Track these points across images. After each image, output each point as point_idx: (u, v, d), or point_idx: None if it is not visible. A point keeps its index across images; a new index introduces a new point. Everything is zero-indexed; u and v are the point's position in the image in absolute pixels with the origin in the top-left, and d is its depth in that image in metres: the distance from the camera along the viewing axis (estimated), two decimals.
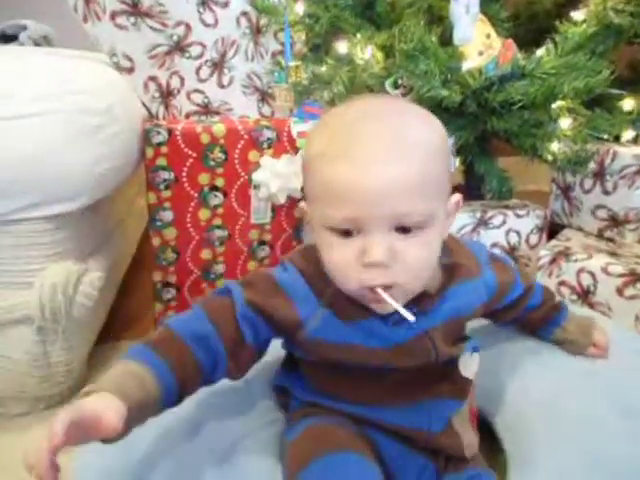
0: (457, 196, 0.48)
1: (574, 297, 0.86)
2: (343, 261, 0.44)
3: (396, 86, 0.81)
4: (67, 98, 0.71)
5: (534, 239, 0.95)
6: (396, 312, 0.45)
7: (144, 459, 0.49)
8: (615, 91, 0.73)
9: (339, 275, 0.45)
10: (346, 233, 0.43)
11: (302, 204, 0.50)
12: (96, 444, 0.39)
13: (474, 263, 0.54)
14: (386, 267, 0.42)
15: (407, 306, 0.46)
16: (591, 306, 0.84)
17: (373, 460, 0.46)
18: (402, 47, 0.78)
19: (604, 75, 0.68)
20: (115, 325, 1.03)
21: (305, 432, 0.49)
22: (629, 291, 0.81)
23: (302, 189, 0.51)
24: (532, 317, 0.62)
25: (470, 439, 0.51)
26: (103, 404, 0.37)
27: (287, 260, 0.51)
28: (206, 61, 0.91)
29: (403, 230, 0.43)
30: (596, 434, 0.53)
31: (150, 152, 0.86)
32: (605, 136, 0.86)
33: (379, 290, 0.43)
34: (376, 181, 0.41)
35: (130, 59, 0.87)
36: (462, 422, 0.51)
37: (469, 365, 0.52)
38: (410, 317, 0.44)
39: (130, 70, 0.88)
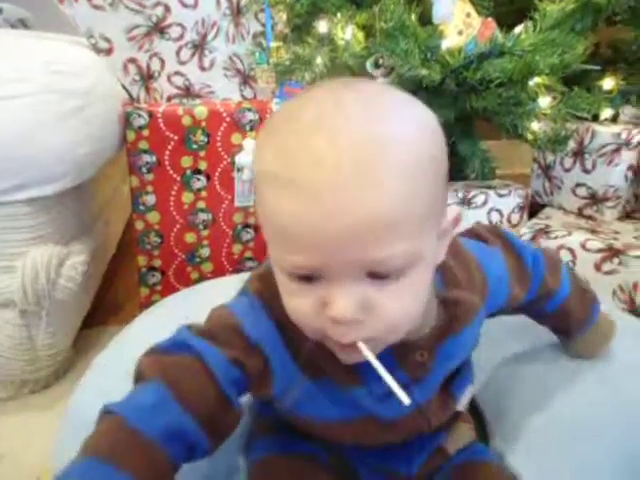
0: (455, 211, 0.37)
1: None
2: (302, 310, 0.34)
3: (377, 66, 0.81)
4: (47, 79, 0.70)
5: (515, 218, 0.96)
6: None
7: None
8: (590, 67, 0.74)
9: (300, 324, 0.36)
10: (305, 278, 0.33)
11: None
12: None
13: (480, 290, 0.44)
14: (358, 322, 0.33)
15: (395, 374, 0.36)
16: None
17: None
18: (382, 26, 0.78)
19: (579, 51, 0.69)
20: (101, 310, 1.03)
21: (269, 461, 0.45)
22: (607, 266, 0.82)
23: None
24: (548, 322, 0.55)
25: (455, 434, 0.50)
26: None
27: (259, 299, 0.40)
28: (186, 43, 0.91)
29: (379, 276, 0.32)
30: (570, 397, 0.54)
31: (132, 135, 0.86)
32: (584, 115, 0.87)
33: (360, 345, 0.34)
34: (339, 220, 0.30)
35: (108, 40, 0.86)
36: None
37: (462, 400, 0.48)
38: (405, 400, 0.35)
39: (109, 51, 0.87)
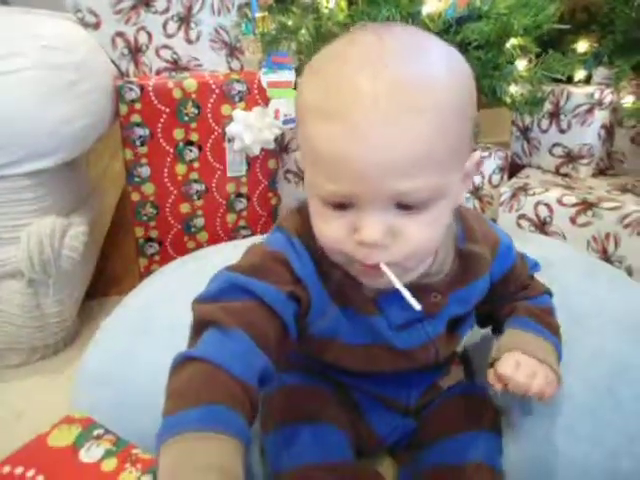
0: (477, 155, 0.40)
1: (532, 228, 0.93)
2: (334, 236, 0.38)
3: None
4: (39, 55, 0.72)
5: (496, 179, 1.01)
6: (401, 309, 0.42)
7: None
8: (561, 26, 0.77)
9: (329, 249, 0.40)
10: (339, 206, 0.37)
11: (297, 154, 0.45)
12: None
13: (492, 247, 0.49)
14: (384, 246, 0.37)
15: (411, 308, 0.40)
16: (547, 235, 0.91)
17: (344, 425, 0.48)
18: None
19: (550, 12, 0.72)
20: (101, 282, 1.06)
21: (283, 390, 0.49)
22: (581, 219, 0.88)
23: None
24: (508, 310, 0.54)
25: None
26: None
27: (291, 231, 0.44)
28: (172, 16, 0.92)
29: (405, 207, 0.36)
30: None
31: (124, 109, 0.88)
32: (559, 77, 0.91)
33: (382, 266, 0.38)
34: (375, 153, 0.33)
35: (95, 14, 0.87)
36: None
37: (462, 341, 0.53)
38: (416, 306, 0.39)
39: (96, 26, 0.88)
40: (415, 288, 0.43)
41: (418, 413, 0.53)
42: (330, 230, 0.38)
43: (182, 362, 0.37)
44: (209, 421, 0.33)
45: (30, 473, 0.39)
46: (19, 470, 0.39)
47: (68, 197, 0.85)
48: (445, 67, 0.36)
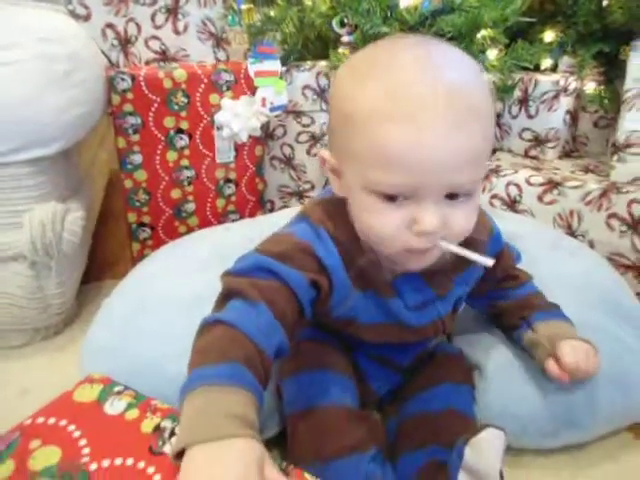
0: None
1: (504, 207, 1.00)
2: (389, 227, 0.42)
3: (342, 24, 0.88)
4: (35, 46, 0.75)
5: None
6: (415, 291, 0.49)
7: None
8: (527, 19, 0.84)
9: (382, 240, 0.44)
10: (391, 198, 0.41)
11: (323, 153, 0.48)
12: None
13: (487, 234, 0.55)
14: (437, 233, 0.42)
15: (425, 291, 0.50)
16: (517, 212, 0.98)
17: (351, 376, 0.55)
18: None
19: (517, 5, 0.78)
20: (95, 267, 1.10)
21: (298, 343, 0.55)
22: (547, 197, 0.95)
23: (328, 132, 0.50)
24: (510, 305, 0.61)
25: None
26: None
27: (317, 222, 0.48)
28: (160, 8, 0.95)
29: (451, 196, 0.42)
30: None
31: (116, 99, 0.91)
32: (527, 65, 0.97)
33: (441, 242, 0.43)
34: (442, 151, 0.38)
35: (86, 6, 0.90)
36: None
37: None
38: (489, 262, 0.44)
39: (87, 17, 0.91)
40: (426, 273, 0.50)
41: (406, 370, 0.60)
42: (386, 223, 0.42)
43: (210, 324, 0.41)
44: (230, 376, 0.38)
45: (63, 423, 0.44)
46: (52, 420, 0.44)
47: (65, 184, 0.88)
48: (481, 77, 0.43)
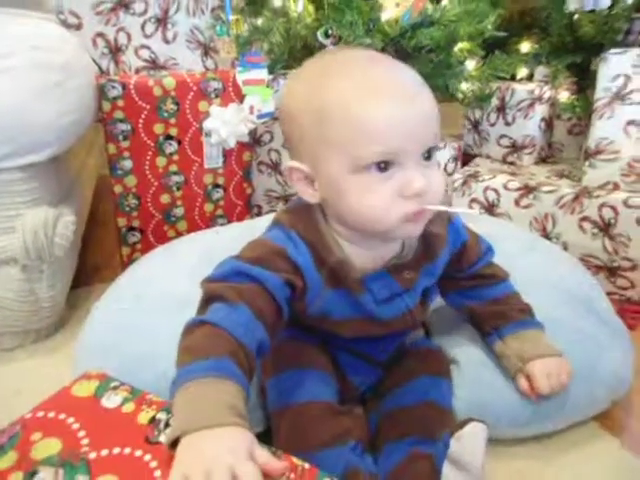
0: None
1: (482, 211, 1.04)
2: (383, 199, 0.46)
3: (327, 35, 0.92)
4: (29, 55, 0.77)
5: (450, 167, 1.12)
6: (383, 286, 0.53)
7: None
8: (500, 33, 0.88)
9: (379, 216, 0.47)
10: (381, 169, 0.46)
11: (291, 163, 0.51)
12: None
13: (444, 228, 0.58)
14: (425, 193, 0.46)
15: (393, 285, 0.54)
16: (495, 216, 1.02)
17: (331, 372, 0.58)
18: (330, 0, 0.89)
19: (490, 21, 0.83)
20: (84, 271, 1.11)
21: (279, 343, 0.57)
22: (524, 201, 1.00)
23: (288, 144, 0.53)
24: (484, 311, 0.63)
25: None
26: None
27: (288, 226, 0.51)
28: (150, 17, 0.98)
29: (426, 157, 0.47)
30: None
31: (107, 106, 0.93)
32: (504, 75, 1.02)
33: (428, 206, 0.47)
34: (411, 113, 0.45)
35: (77, 16, 0.92)
36: None
37: (430, 308, 0.64)
38: (476, 212, 0.52)
39: (78, 27, 0.93)
40: (392, 268, 0.54)
41: (386, 365, 0.63)
42: (379, 197, 0.46)
43: (194, 325, 0.45)
44: (218, 369, 0.41)
45: (62, 416, 0.46)
46: (51, 414, 0.46)
47: (56, 189, 0.90)
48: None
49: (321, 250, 0.51)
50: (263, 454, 0.37)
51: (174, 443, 0.38)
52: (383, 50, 0.90)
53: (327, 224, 0.52)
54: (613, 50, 0.94)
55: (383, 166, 0.46)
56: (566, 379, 0.59)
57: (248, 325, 0.45)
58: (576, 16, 1.00)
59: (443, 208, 0.49)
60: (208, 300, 0.47)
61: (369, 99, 0.45)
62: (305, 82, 0.49)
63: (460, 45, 0.84)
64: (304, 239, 0.51)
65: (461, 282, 0.64)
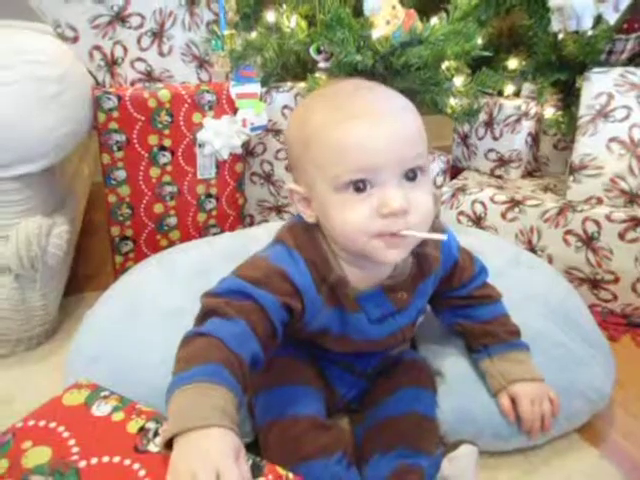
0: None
1: (470, 223, 1.06)
2: (361, 217, 0.48)
3: (318, 52, 0.94)
4: (26, 68, 0.78)
5: (440, 180, 1.14)
6: (377, 306, 0.55)
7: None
8: (485, 53, 0.91)
9: (356, 233, 0.48)
10: (358, 189, 0.47)
11: (291, 185, 0.54)
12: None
13: (438, 251, 0.59)
14: (404, 214, 0.47)
15: (386, 305, 0.55)
16: (482, 229, 1.04)
17: (318, 386, 0.59)
18: (322, 18, 0.91)
19: (476, 41, 0.85)
20: (76, 280, 1.12)
21: (269, 359, 0.58)
22: (510, 214, 1.02)
23: (290, 169, 0.56)
24: (474, 328, 0.65)
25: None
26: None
27: (290, 245, 0.53)
28: (146, 31, 0.99)
29: (410, 178, 0.48)
30: None
31: (102, 117, 0.95)
32: (491, 91, 1.04)
33: (405, 232, 0.48)
34: (383, 131, 0.47)
35: (74, 29, 0.94)
36: None
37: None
38: (443, 237, 0.51)
39: (75, 40, 0.94)
40: (386, 288, 0.56)
41: (370, 375, 0.65)
42: (356, 214, 0.48)
43: (191, 336, 0.47)
44: (212, 374, 0.43)
45: (52, 425, 0.47)
46: (42, 423, 0.47)
47: (50, 199, 0.91)
48: (399, 94, 0.54)
49: (321, 268, 0.53)
50: (244, 465, 0.40)
51: (168, 445, 0.40)
52: (373, 67, 0.92)
53: (327, 243, 0.55)
54: (596, 69, 0.97)
55: (362, 186, 0.48)
56: (548, 405, 0.61)
57: (243, 338, 0.47)
58: (560, 36, 1.03)
59: (413, 233, 0.49)
60: (206, 314, 0.49)
61: (343, 122, 0.48)
62: (298, 114, 0.55)
63: (447, 63, 0.87)
64: (306, 258, 0.52)
65: (453, 301, 0.66)
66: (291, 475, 0.42)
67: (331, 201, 0.49)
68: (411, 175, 0.49)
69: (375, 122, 0.47)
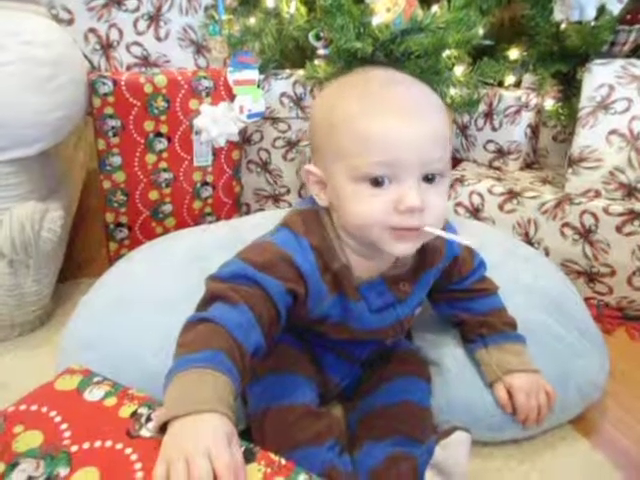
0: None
1: (467, 214, 1.06)
2: (377, 211, 0.48)
3: (318, 38, 0.93)
4: (21, 49, 0.77)
5: None
6: (378, 296, 0.55)
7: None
8: (486, 42, 0.90)
9: (371, 225, 0.49)
10: (377, 183, 0.48)
11: (308, 167, 0.54)
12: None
13: (442, 242, 0.58)
14: (420, 212, 0.48)
15: (387, 295, 0.55)
16: (480, 220, 1.04)
17: (312, 375, 0.59)
18: (322, 3, 0.90)
19: (478, 30, 0.84)
20: (71, 266, 1.11)
21: None
22: (507, 206, 1.01)
23: (311, 151, 0.56)
24: (471, 320, 0.65)
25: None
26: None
27: (297, 230, 0.53)
28: (142, 14, 0.98)
29: (428, 180, 0.48)
30: None
31: (97, 102, 0.94)
32: (491, 81, 1.03)
33: (426, 228, 0.48)
34: (411, 130, 0.47)
35: (69, 11, 0.92)
36: None
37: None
38: (467, 241, 0.52)
39: (70, 22, 0.93)
40: (388, 279, 0.56)
41: (365, 362, 0.65)
42: (374, 208, 0.48)
43: (194, 321, 0.46)
44: (212, 360, 0.42)
45: (44, 409, 0.47)
46: (34, 407, 0.47)
47: (45, 184, 0.90)
48: (431, 91, 0.53)
49: (326, 255, 0.53)
50: (238, 452, 0.40)
51: (163, 428, 0.40)
52: (373, 54, 0.91)
53: (334, 230, 0.54)
54: (598, 60, 0.96)
55: (380, 180, 0.48)
56: (544, 397, 0.61)
57: (247, 327, 0.47)
58: (563, 26, 1.02)
59: (438, 232, 0.49)
60: (210, 298, 0.48)
61: (371, 114, 0.47)
62: (326, 97, 0.54)
63: (448, 52, 0.86)
64: (312, 245, 0.52)
65: (451, 294, 0.66)
66: (283, 461, 0.42)
67: (347, 190, 0.49)
68: (430, 177, 0.49)
69: (404, 119, 0.47)
